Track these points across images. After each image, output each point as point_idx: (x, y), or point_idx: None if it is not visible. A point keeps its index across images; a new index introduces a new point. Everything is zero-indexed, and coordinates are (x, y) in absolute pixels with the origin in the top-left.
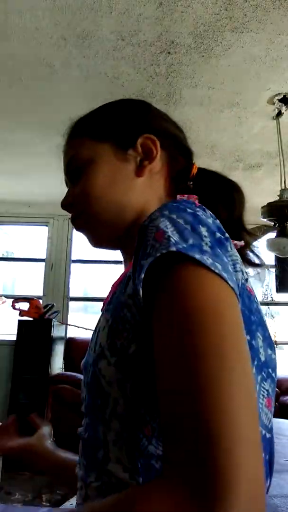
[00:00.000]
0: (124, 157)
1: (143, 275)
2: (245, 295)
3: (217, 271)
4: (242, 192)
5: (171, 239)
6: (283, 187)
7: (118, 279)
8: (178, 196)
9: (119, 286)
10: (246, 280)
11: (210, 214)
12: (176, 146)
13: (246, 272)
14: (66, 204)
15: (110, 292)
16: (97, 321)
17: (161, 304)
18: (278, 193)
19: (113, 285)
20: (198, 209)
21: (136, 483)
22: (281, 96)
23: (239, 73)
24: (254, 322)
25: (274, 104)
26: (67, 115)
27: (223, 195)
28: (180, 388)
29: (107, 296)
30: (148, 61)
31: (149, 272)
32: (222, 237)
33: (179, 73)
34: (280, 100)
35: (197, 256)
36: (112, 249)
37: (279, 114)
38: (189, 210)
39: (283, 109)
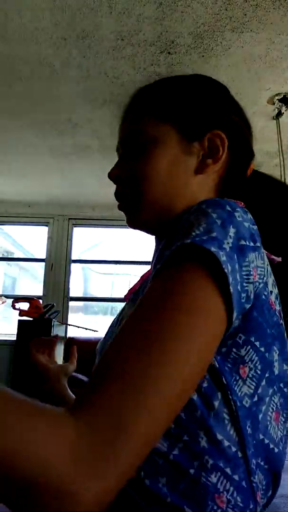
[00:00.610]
0: (188, 149)
1: (159, 266)
2: (266, 307)
3: (226, 270)
4: None
5: (193, 232)
6: None
7: (148, 271)
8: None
9: (150, 278)
10: (271, 292)
11: (250, 219)
12: (242, 147)
13: (273, 285)
14: (115, 175)
15: (138, 282)
16: (121, 309)
17: (152, 285)
18: None
19: (142, 276)
20: (238, 209)
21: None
22: (281, 96)
23: (239, 73)
24: (270, 335)
25: (274, 104)
26: (67, 115)
27: (278, 200)
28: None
29: (134, 285)
30: (148, 61)
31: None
32: (248, 245)
33: (179, 73)
34: (280, 100)
35: (213, 249)
36: (148, 233)
37: (279, 114)
38: (227, 208)
39: (283, 109)
